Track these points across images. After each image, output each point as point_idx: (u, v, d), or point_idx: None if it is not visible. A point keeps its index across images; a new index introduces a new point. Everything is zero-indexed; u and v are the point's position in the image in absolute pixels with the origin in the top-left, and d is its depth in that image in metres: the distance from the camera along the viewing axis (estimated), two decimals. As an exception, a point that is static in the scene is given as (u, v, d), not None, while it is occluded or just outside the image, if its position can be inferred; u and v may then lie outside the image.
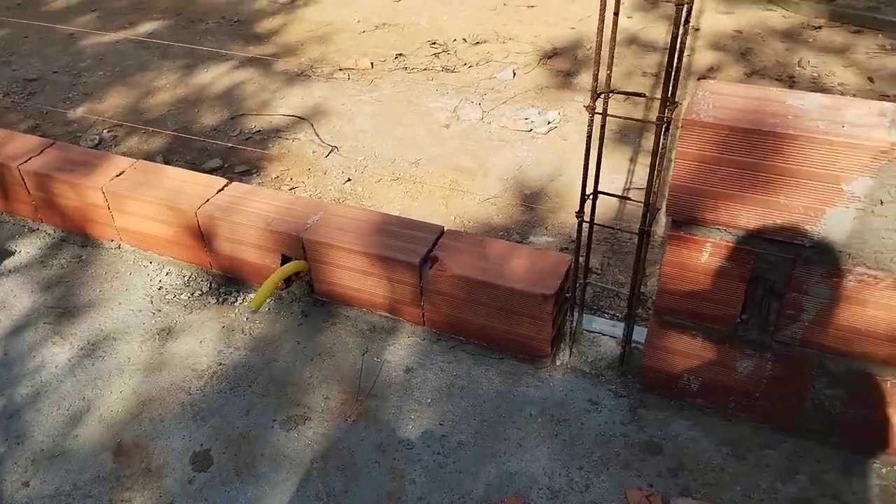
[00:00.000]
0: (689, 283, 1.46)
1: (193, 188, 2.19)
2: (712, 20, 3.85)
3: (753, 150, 1.22)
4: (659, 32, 3.79)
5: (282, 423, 1.80)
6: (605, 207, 2.47)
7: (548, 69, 3.61)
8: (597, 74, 1.41)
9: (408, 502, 1.60)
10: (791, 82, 3.25)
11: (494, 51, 3.78)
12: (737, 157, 1.24)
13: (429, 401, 1.83)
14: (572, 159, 2.94)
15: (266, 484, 1.66)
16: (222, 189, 2.17)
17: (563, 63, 3.61)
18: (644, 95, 1.50)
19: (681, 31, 1.28)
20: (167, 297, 2.21)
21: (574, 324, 1.83)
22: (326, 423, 1.80)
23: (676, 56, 1.31)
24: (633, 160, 2.88)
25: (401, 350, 1.97)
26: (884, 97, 3.09)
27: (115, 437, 1.79)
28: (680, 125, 1.27)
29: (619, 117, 1.49)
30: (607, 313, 2.11)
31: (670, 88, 1.35)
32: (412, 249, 1.87)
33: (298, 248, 2.00)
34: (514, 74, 3.56)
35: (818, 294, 1.34)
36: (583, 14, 4.04)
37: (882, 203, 1.18)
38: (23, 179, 2.40)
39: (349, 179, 2.96)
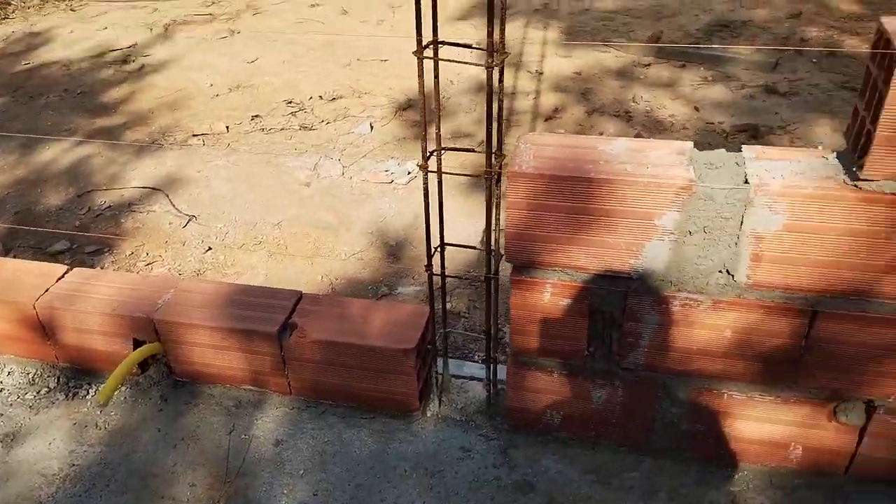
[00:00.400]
0: (537, 323, 1.51)
1: (30, 278, 2.05)
2: (553, 64, 4.08)
3: (574, 195, 1.30)
4: (506, 77, 3.97)
5: None
6: (466, 252, 2.54)
7: (403, 121, 3.69)
8: (425, 135, 1.46)
9: (285, 583, 1.54)
10: (628, 117, 3.49)
11: (351, 106, 3.82)
12: (560, 203, 1.32)
13: (301, 472, 1.78)
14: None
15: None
16: (63, 276, 2.05)
17: (418, 114, 3.70)
18: (473, 150, 1.56)
19: (497, 90, 1.35)
20: (10, 398, 2.04)
21: (440, 373, 1.85)
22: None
23: (496, 114, 1.38)
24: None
25: (269, 423, 1.91)
26: (709, 124, 3.38)
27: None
28: (506, 177, 1.33)
29: (451, 173, 1.54)
30: (478, 356, 2.15)
31: (494, 142, 1.42)
32: (269, 318, 1.83)
33: (150, 330, 1.91)
34: (372, 128, 3.62)
35: (651, 321, 1.42)
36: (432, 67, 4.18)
37: (691, 233, 1.28)
38: None
39: (210, 248, 2.87)
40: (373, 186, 3.16)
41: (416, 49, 1.34)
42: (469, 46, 1.36)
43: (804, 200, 1.18)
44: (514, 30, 4.57)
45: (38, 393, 2.06)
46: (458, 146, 3.27)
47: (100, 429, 1.93)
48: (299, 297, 1.91)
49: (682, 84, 3.76)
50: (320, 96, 3.93)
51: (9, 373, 2.12)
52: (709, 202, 1.23)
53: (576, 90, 3.77)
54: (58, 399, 2.03)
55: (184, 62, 4.48)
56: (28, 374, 2.11)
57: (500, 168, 1.41)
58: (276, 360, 1.85)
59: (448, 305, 2.49)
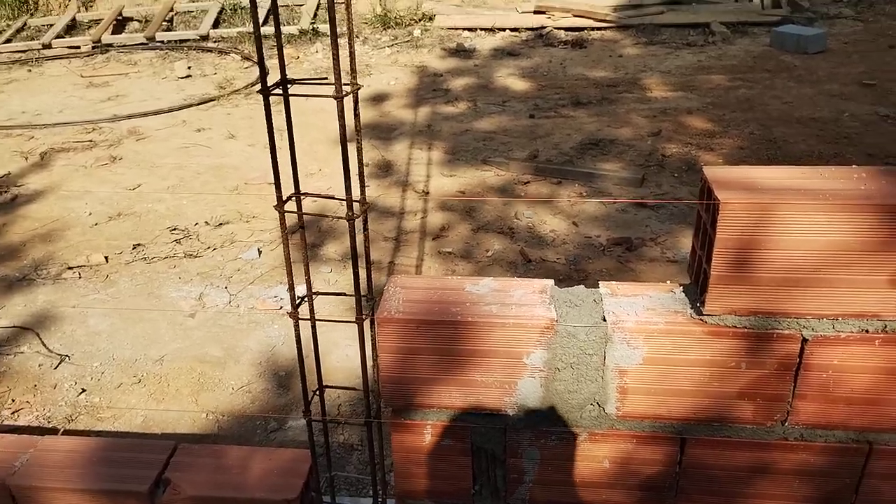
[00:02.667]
0: (420, 465, 1.49)
1: None
2: (438, 183, 4.23)
3: (443, 339, 1.31)
4: (394, 198, 4.08)
5: None
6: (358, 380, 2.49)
7: (293, 244, 3.68)
8: (292, 286, 1.46)
9: None
10: (511, 233, 3.63)
11: (238, 231, 3.79)
12: (431, 346, 1.33)
13: None
14: (325, 332, 2.96)
15: None
16: None
17: (309, 236, 3.71)
18: (345, 294, 1.56)
19: (363, 239, 1.38)
20: None
21: (328, 519, 1.77)
22: None
23: (365, 262, 1.40)
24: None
25: (141, 590, 1.75)
26: (587, 238, 3.56)
27: None
28: (377, 322, 1.33)
29: (323, 320, 1.54)
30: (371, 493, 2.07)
31: (365, 287, 1.43)
32: (140, 476, 1.70)
33: (6, 496, 1.73)
34: (260, 253, 3.58)
35: (532, 456, 1.43)
36: (315, 188, 4.25)
37: (559, 370, 1.31)
38: None
39: (84, 390, 2.69)
40: (261, 314, 3.10)
41: (276, 204, 1.36)
42: (331, 197, 1.39)
43: (658, 335, 1.25)
44: (400, 151, 4.73)
45: None
46: (334, 287, 3.28)
47: None
48: (174, 448, 1.80)
49: (560, 200, 3.98)
50: (206, 222, 3.88)
51: None
52: (572, 339, 1.28)
53: (461, 208, 3.91)
54: None
55: (61, 191, 4.34)
56: None
57: (371, 312, 1.42)
58: (148, 520, 1.71)
59: (341, 438, 2.43)
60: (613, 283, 1.37)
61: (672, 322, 1.25)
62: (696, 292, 1.27)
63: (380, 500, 1.69)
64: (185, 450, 1.80)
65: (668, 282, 1.37)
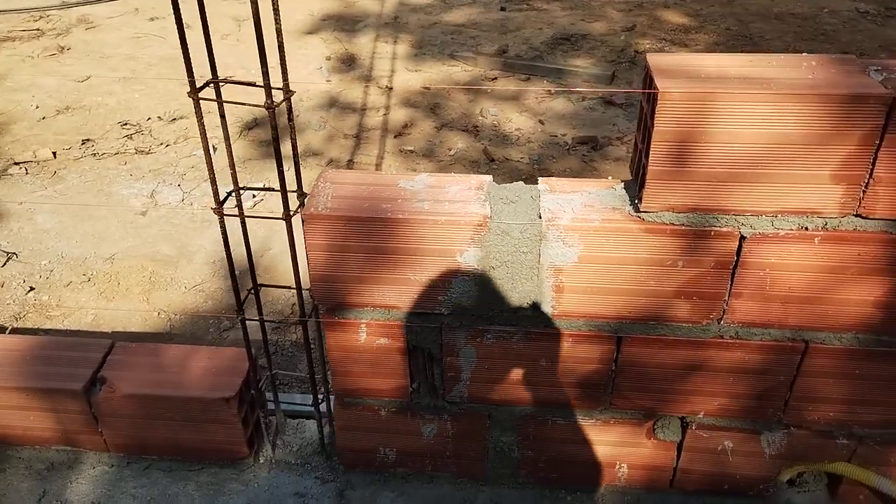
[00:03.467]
0: (356, 363, 1.46)
1: None
2: (403, 78, 4.07)
3: (372, 236, 1.25)
4: (357, 93, 3.92)
5: None
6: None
7: (250, 140, 3.55)
8: (213, 179, 1.38)
9: None
10: (476, 131, 3.52)
11: (193, 126, 3.63)
12: (360, 244, 1.27)
13: (120, 541, 1.64)
14: (280, 231, 2.89)
15: None
16: None
17: (265, 133, 3.57)
18: (273, 189, 1.47)
19: (288, 127, 1.29)
20: None
21: (271, 416, 1.76)
22: None
23: (293, 154, 1.32)
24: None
25: (86, 484, 1.75)
26: (552, 136, 3.47)
27: None
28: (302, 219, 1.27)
29: (249, 216, 1.46)
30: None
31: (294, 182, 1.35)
32: (75, 374, 1.67)
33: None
34: (215, 149, 3.45)
35: (468, 354, 1.41)
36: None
37: (493, 268, 1.27)
38: None
39: (32, 288, 2.62)
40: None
41: (189, 91, 1.25)
42: (251, 84, 1.29)
43: (593, 233, 1.20)
44: (364, 44, 4.52)
45: None
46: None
47: None
48: (111, 346, 1.76)
49: (528, 97, 3.84)
50: (159, 117, 3.71)
51: None
52: (506, 237, 1.22)
53: (425, 105, 3.77)
54: None
55: (6, 82, 4.10)
56: None
57: (300, 210, 1.34)
58: (87, 417, 1.69)
59: (294, 336, 2.40)
60: (553, 179, 1.31)
61: (608, 220, 1.19)
62: (636, 189, 1.21)
63: (320, 398, 1.67)
64: (123, 348, 1.76)
65: (610, 178, 1.30)
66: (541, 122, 3.60)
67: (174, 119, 3.71)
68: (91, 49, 4.51)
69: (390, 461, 1.67)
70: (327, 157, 3.36)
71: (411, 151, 3.39)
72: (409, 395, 1.51)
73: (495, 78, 4.04)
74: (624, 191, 1.25)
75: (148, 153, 3.42)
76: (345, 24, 4.80)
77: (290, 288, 1.56)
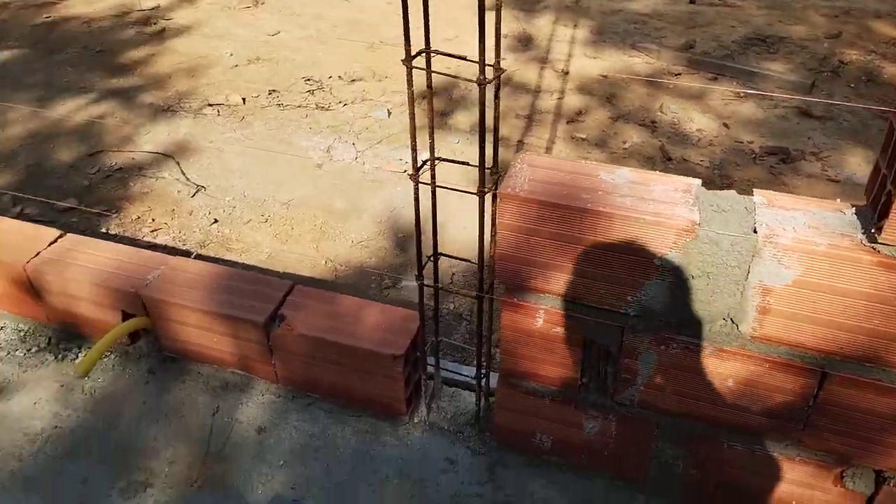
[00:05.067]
0: (528, 348, 1.48)
1: (22, 241, 2.04)
2: (580, 64, 4.01)
3: (567, 224, 1.26)
4: (531, 75, 3.91)
5: (121, 490, 1.69)
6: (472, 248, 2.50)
7: (423, 110, 3.63)
8: (414, 147, 1.42)
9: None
10: (653, 127, 3.42)
11: (371, 89, 3.77)
12: (552, 230, 1.27)
13: (281, 463, 1.77)
14: (448, 201, 2.96)
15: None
16: (55, 241, 2.03)
17: (438, 103, 3.65)
18: (468, 164, 1.50)
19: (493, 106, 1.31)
20: (0, 353, 2.05)
21: (431, 380, 1.83)
22: (169, 490, 1.70)
23: (492, 129, 1.34)
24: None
25: (254, 409, 1.90)
26: (738, 143, 3.31)
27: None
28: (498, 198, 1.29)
29: (443, 187, 1.49)
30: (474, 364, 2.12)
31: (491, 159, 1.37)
32: (258, 308, 1.81)
33: (138, 304, 1.90)
34: (390, 114, 3.57)
35: (648, 360, 1.39)
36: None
37: (693, 277, 1.24)
38: None
39: (216, 221, 2.85)
40: (386, 174, 3.13)
41: (404, 58, 1.30)
42: (462, 58, 1.31)
43: (817, 257, 1.13)
44: (543, 25, 4.49)
45: (28, 351, 2.06)
46: (460, 158, 3.22)
47: (86, 394, 1.93)
48: (291, 287, 1.88)
49: (713, 97, 3.68)
50: (340, 76, 3.89)
51: (1, 327, 2.12)
52: (713, 247, 1.19)
53: (601, 94, 3.70)
54: (47, 359, 2.03)
55: (205, 29, 4.44)
56: (20, 331, 2.11)
57: (495, 187, 1.36)
58: (263, 348, 1.83)
59: (451, 306, 2.47)
60: (770, 192, 1.25)
61: (836, 246, 1.13)
62: (872, 216, 1.13)
63: (483, 371, 1.71)
64: (302, 291, 1.88)
65: (838, 200, 1.23)
66: (725, 125, 3.44)
67: (353, 80, 3.87)
68: (283, 5, 4.78)
69: (545, 448, 1.68)
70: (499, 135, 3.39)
71: (583, 139, 3.35)
72: (577, 388, 1.52)
73: (679, 74, 3.89)
74: (855, 217, 1.18)
75: (327, 109, 3.60)
76: (524, 3, 4.78)
77: (470, 262, 1.60)
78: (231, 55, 4.12)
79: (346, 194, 2.99)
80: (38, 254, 2.00)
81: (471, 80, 1.29)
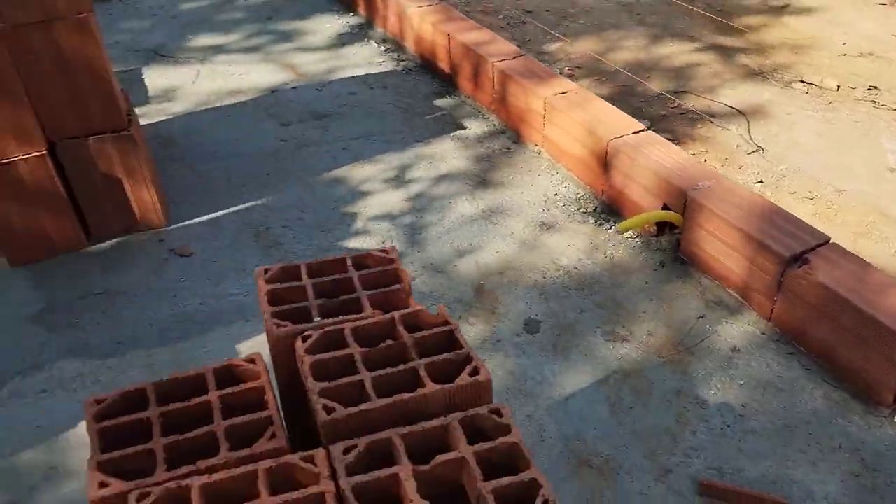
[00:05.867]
0: None
1: (615, 123, 2.48)
2: None
3: None
4: None
5: (604, 333, 2.04)
6: None
7: None
8: None
9: (680, 445, 1.71)
10: None
11: None
12: None
13: (741, 383, 1.88)
14: None
15: (571, 367, 1.92)
16: (638, 132, 2.42)
17: None
18: None
19: None
20: (558, 203, 2.58)
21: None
22: (640, 351, 1.98)
23: None
24: None
25: (735, 331, 2.04)
26: None
27: (480, 279, 2.22)
28: None
29: None
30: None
31: None
32: (786, 243, 1.90)
33: (681, 203, 2.16)
34: None
35: None
36: None
37: None
38: (492, 74, 2.96)
39: (761, 181, 2.97)
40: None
41: None
42: None
43: None
44: None
45: (577, 209, 2.56)
46: None
47: (605, 256, 2.33)
48: (826, 240, 1.91)
49: None
50: (959, 93, 3.48)
51: (566, 185, 2.66)
52: None
53: None
54: (588, 221, 2.50)
55: (828, 14, 4.41)
56: (578, 194, 2.62)
57: None
58: (772, 282, 1.93)
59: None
60: None
61: None
62: None
63: None
64: (837, 249, 1.90)
65: None
66: None
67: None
68: None
69: None
70: None
71: None
72: None
73: None
74: None
75: (925, 122, 3.30)
76: None
77: None
78: (844, 44, 4.05)
79: (910, 204, 2.77)
80: (621, 136, 2.41)
81: None
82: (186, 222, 2.50)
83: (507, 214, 2.52)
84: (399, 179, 2.75)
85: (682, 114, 3.46)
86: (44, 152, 2.14)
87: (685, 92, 3.61)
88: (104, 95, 2.17)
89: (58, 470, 1.70)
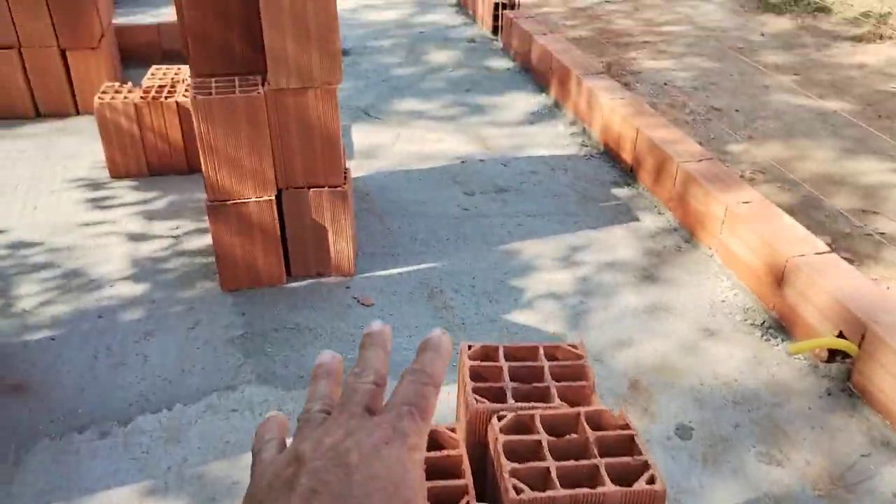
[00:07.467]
0: None
1: (797, 239, 2.47)
2: None
3: None
4: None
5: (758, 453, 2.03)
6: None
7: None
8: None
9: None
10: None
11: None
12: None
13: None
14: None
15: (721, 482, 1.92)
16: (821, 253, 2.40)
17: None
18: None
19: None
20: (725, 310, 2.58)
21: None
22: (794, 479, 1.97)
23: None
24: None
25: None
26: None
27: (636, 374, 2.28)
28: None
29: None
30: None
31: None
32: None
33: (858, 333, 2.11)
34: None
35: None
36: None
37: None
38: (675, 173, 3.03)
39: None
40: None
41: None
42: None
43: None
44: None
45: (743, 320, 2.54)
46: None
47: (768, 373, 2.31)
48: None
49: None
50: None
51: (735, 294, 2.66)
52: None
53: None
54: (754, 333, 2.48)
55: None
56: (747, 305, 2.61)
57: None
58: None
59: None
60: None
61: None
62: None
63: None
64: None
65: None
66: None
67: None
68: None
69: None
70: None
71: None
72: None
73: None
74: None
75: None
76: None
77: None
78: None
79: None
80: (803, 255, 2.39)
81: None
82: (369, 274, 2.77)
83: (671, 313, 2.56)
84: (568, 260, 2.87)
85: (867, 235, 3.32)
86: (273, 197, 2.49)
87: (875, 213, 3.47)
88: (332, 154, 2.48)
89: (239, 486, 1.93)
